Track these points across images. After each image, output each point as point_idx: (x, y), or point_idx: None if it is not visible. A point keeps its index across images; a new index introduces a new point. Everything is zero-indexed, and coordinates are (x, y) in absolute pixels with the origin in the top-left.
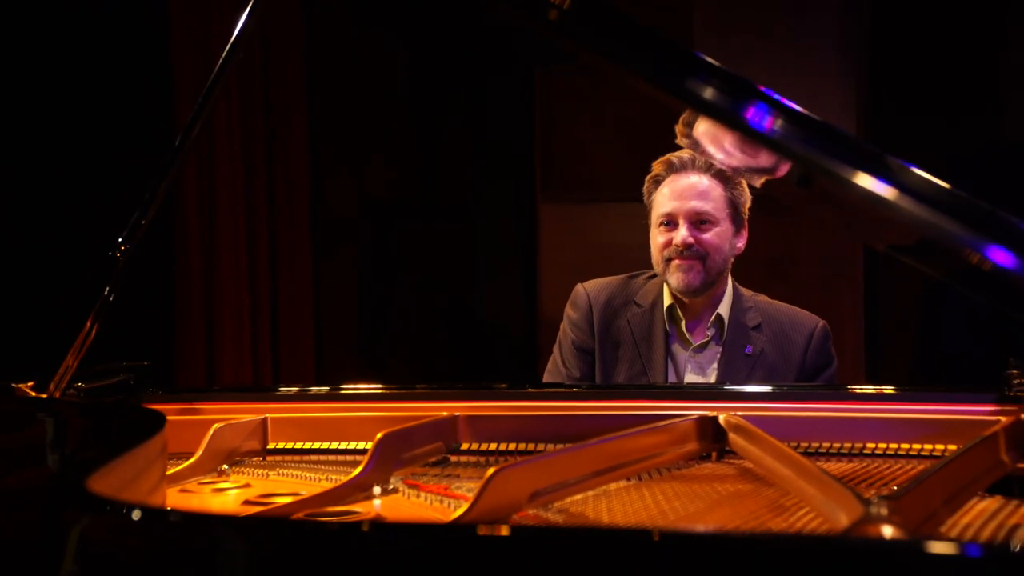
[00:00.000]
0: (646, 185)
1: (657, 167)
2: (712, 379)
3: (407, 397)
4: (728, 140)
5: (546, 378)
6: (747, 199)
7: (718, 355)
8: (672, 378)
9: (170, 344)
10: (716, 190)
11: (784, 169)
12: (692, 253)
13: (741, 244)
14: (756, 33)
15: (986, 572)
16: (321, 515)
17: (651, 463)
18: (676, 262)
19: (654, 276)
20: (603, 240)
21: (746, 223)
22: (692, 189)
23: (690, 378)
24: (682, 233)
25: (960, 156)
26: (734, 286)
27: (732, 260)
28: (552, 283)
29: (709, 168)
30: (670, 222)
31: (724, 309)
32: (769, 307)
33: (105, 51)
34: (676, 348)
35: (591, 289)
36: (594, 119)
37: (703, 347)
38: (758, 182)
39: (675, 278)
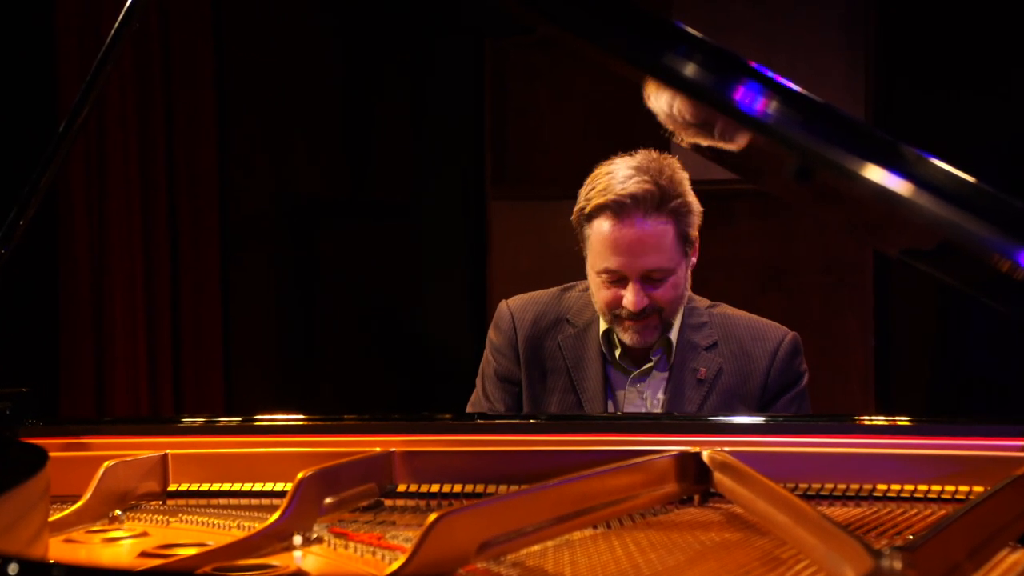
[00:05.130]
0: (575, 215)
1: (595, 200)
2: (658, 411)
3: (333, 430)
4: None
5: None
6: (697, 217)
7: (665, 382)
8: (611, 411)
9: (53, 366)
10: (668, 234)
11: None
12: (646, 313)
13: (694, 260)
14: (745, 0)
15: None
16: (232, 569)
17: (622, 508)
18: (628, 323)
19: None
20: (564, 244)
21: (698, 239)
22: (642, 243)
23: (631, 412)
24: (633, 297)
25: (986, 144)
26: (687, 298)
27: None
28: (504, 294)
29: (659, 206)
30: (616, 279)
31: (673, 331)
32: (728, 321)
33: None
34: (615, 375)
35: (515, 306)
36: (555, 100)
37: (646, 374)
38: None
39: (628, 337)
